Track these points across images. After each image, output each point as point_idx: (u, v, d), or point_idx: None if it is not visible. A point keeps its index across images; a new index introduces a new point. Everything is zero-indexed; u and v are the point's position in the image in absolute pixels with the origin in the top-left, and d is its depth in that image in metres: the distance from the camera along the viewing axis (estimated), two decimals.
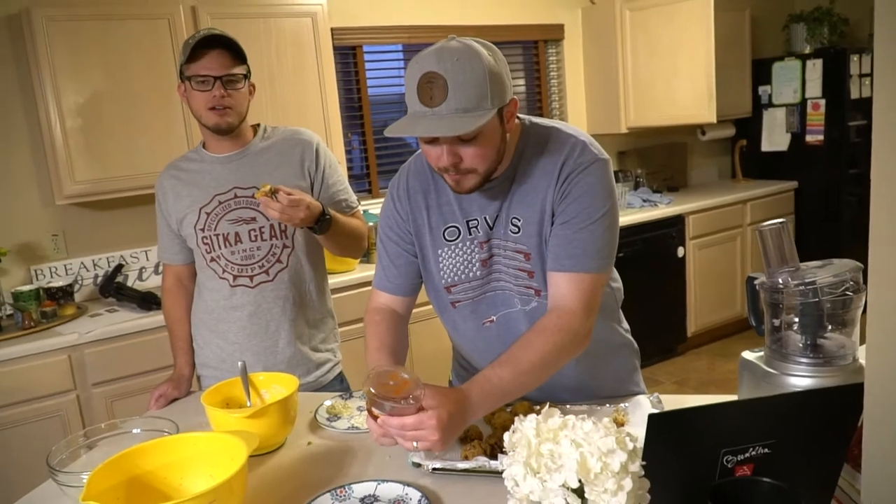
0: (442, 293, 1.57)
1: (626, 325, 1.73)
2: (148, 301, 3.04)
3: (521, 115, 1.49)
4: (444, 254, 1.53)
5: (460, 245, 1.51)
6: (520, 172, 1.46)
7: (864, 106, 5.01)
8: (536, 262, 1.46)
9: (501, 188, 1.46)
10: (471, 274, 1.52)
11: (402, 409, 1.25)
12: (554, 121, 1.54)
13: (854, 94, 4.94)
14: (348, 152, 4.02)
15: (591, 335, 1.43)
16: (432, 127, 1.27)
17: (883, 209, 0.80)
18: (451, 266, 1.53)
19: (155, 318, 2.88)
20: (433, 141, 1.33)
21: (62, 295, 3.05)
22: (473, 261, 1.51)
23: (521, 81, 4.71)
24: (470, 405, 1.29)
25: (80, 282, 3.32)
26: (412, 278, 1.60)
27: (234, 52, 1.85)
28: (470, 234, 1.50)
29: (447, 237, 1.52)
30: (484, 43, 1.33)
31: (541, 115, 4.64)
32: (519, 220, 1.46)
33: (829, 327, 1.36)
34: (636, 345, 1.75)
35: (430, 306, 3.63)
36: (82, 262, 3.33)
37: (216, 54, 1.82)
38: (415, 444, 1.26)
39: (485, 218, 1.49)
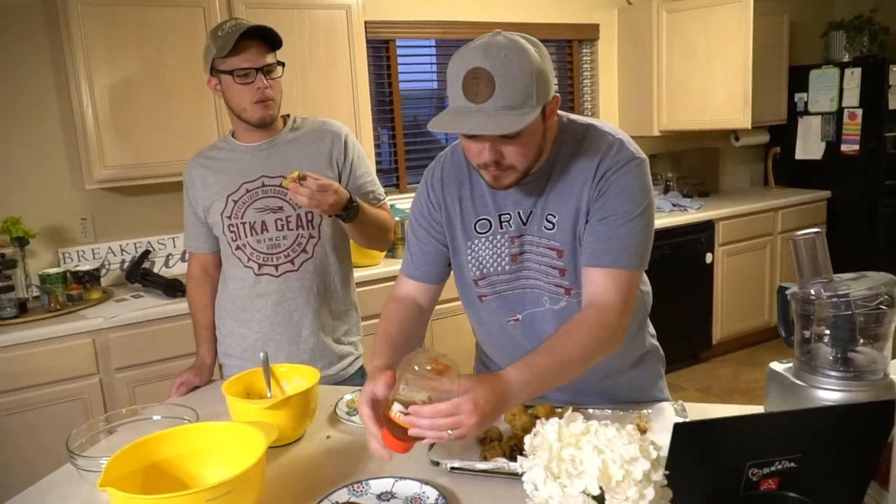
0: (470, 286, 1.56)
1: (652, 330, 1.70)
2: (173, 288, 3.06)
3: (559, 112, 1.46)
4: (474, 246, 1.52)
5: (490, 238, 1.50)
6: (556, 169, 1.44)
7: None
8: (569, 259, 1.44)
9: (537, 184, 1.44)
10: (500, 268, 1.50)
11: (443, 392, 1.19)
12: (592, 118, 1.52)
13: (892, 105, 4.83)
14: (377, 146, 4.02)
15: (626, 333, 1.40)
16: (479, 125, 1.25)
17: None
18: (480, 258, 1.51)
19: (180, 305, 2.90)
20: (475, 137, 1.31)
21: (89, 279, 3.08)
22: (503, 254, 1.49)
23: (554, 80, 4.65)
24: (509, 390, 1.22)
25: (107, 266, 3.35)
26: (439, 266, 1.59)
27: (268, 42, 1.84)
28: (501, 227, 1.49)
29: (478, 229, 1.51)
30: (530, 39, 1.31)
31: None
32: (554, 217, 1.44)
33: (861, 341, 1.33)
34: (662, 351, 1.72)
35: (452, 304, 3.61)
36: (110, 247, 3.36)
37: (253, 46, 1.81)
38: (449, 432, 1.16)
39: (518, 213, 1.47)
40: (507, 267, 1.50)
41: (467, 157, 1.40)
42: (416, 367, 1.22)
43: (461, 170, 1.53)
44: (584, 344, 1.31)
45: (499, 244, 1.49)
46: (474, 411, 1.15)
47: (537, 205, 1.45)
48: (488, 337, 1.64)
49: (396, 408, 1.21)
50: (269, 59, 1.85)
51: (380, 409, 1.25)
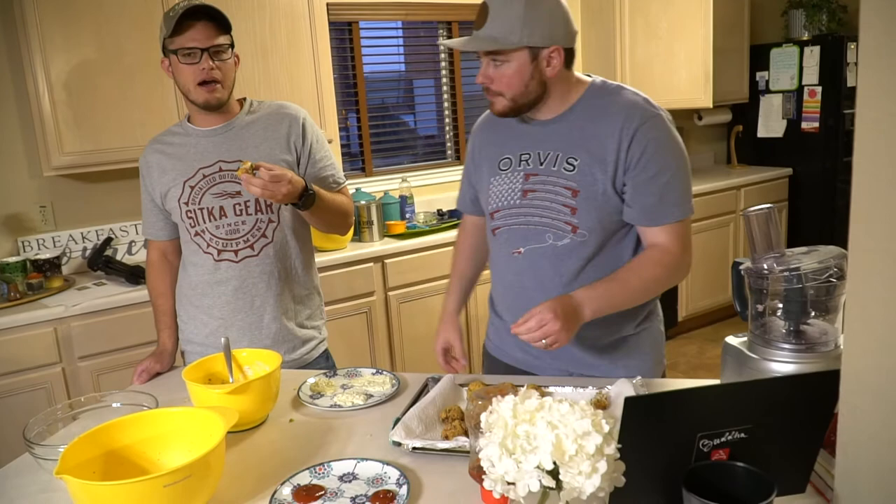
0: (489, 220, 1.76)
1: (660, 314, 1.83)
2: (136, 275, 3.02)
3: (593, 76, 1.70)
4: (495, 181, 1.72)
5: (509, 174, 1.69)
6: (582, 118, 1.63)
7: None
8: (582, 200, 1.60)
9: (560, 129, 1.64)
10: (511, 201, 1.68)
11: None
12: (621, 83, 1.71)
13: (850, 82, 4.90)
14: (343, 130, 3.99)
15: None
16: (464, 42, 1.58)
17: (864, 198, 0.79)
18: (497, 192, 1.71)
19: (143, 293, 2.85)
20: (478, 62, 1.60)
21: (49, 267, 3.03)
22: (516, 189, 1.68)
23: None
24: (577, 301, 1.51)
25: (68, 254, 3.30)
26: (476, 204, 1.87)
27: (218, 23, 1.82)
28: (520, 165, 1.68)
29: (501, 167, 1.72)
30: None
31: None
32: (576, 160, 1.61)
33: (813, 314, 1.37)
34: (664, 337, 1.85)
35: (419, 286, 3.62)
36: (71, 235, 3.30)
37: (201, 25, 1.79)
38: (544, 341, 1.45)
39: (538, 153, 1.66)
40: (517, 201, 1.67)
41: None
42: (480, 402, 1.21)
43: (494, 119, 1.74)
44: (647, 277, 1.59)
45: (514, 179, 1.68)
46: (555, 318, 1.44)
47: (558, 147, 1.63)
48: (497, 270, 1.79)
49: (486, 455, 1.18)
50: (220, 40, 1.82)
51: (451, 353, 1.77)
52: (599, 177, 1.59)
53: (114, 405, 1.56)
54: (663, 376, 1.80)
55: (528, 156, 1.67)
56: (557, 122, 1.64)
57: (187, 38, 1.78)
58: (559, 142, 1.63)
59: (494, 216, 1.72)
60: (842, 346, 1.33)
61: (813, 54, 4.97)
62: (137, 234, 3.43)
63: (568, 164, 1.61)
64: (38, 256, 3.06)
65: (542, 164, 1.64)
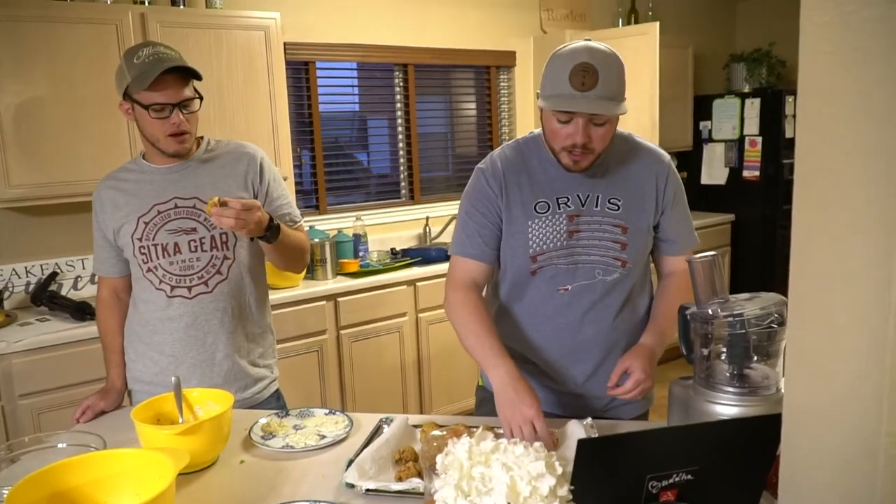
0: (524, 262, 1.73)
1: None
2: (82, 311, 2.96)
3: None
4: (534, 225, 1.71)
5: (550, 217, 1.71)
6: (613, 162, 1.72)
7: None
8: (632, 235, 1.72)
9: (593, 173, 1.71)
10: (558, 243, 1.71)
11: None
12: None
13: (789, 134, 5.13)
14: (297, 167, 4.00)
15: None
16: (590, 107, 1.52)
17: (802, 247, 0.83)
18: (539, 236, 1.71)
19: (89, 329, 2.80)
20: (568, 122, 1.57)
21: None
22: (561, 230, 1.71)
23: (472, 105, 4.76)
24: (651, 349, 1.66)
25: (10, 289, 3.21)
26: (493, 248, 1.77)
27: (185, 72, 1.81)
28: (559, 208, 1.71)
29: (538, 210, 1.72)
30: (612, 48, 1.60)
31: (490, 139, 4.74)
32: (619, 200, 1.71)
33: (755, 358, 1.41)
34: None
35: (370, 325, 3.60)
36: (14, 269, 3.22)
37: (171, 80, 1.78)
38: (640, 398, 1.64)
39: (577, 195, 1.71)
40: (564, 242, 1.71)
41: (552, 141, 1.64)
42: (435, 444, 1.21)
43: (518, 163, 1.76)
44: (681, 300, 1.64)
45: (558, 222, 1.71)
46: (647, 378, 1.60)
47: (596, 190, 1.71)
48: (526, 310, 1.77)
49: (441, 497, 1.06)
50: (187, 92, 1.82)
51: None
52: (643, 215, 1.73)
53: (59, 446, 1.52)
54: None
55: (566, 199, 1.71)
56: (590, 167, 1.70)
57: (159, 95, 1.77)
58: (595, 185, 1.71)
59: (537, 258, 1.72)
60: (783, 390, 1.39)
61: (753, 106, 5.20)
62: (84, 268, 3.37)
63: (611, 203, 1.71)
64: None
65: (583, 205, 1.71)
